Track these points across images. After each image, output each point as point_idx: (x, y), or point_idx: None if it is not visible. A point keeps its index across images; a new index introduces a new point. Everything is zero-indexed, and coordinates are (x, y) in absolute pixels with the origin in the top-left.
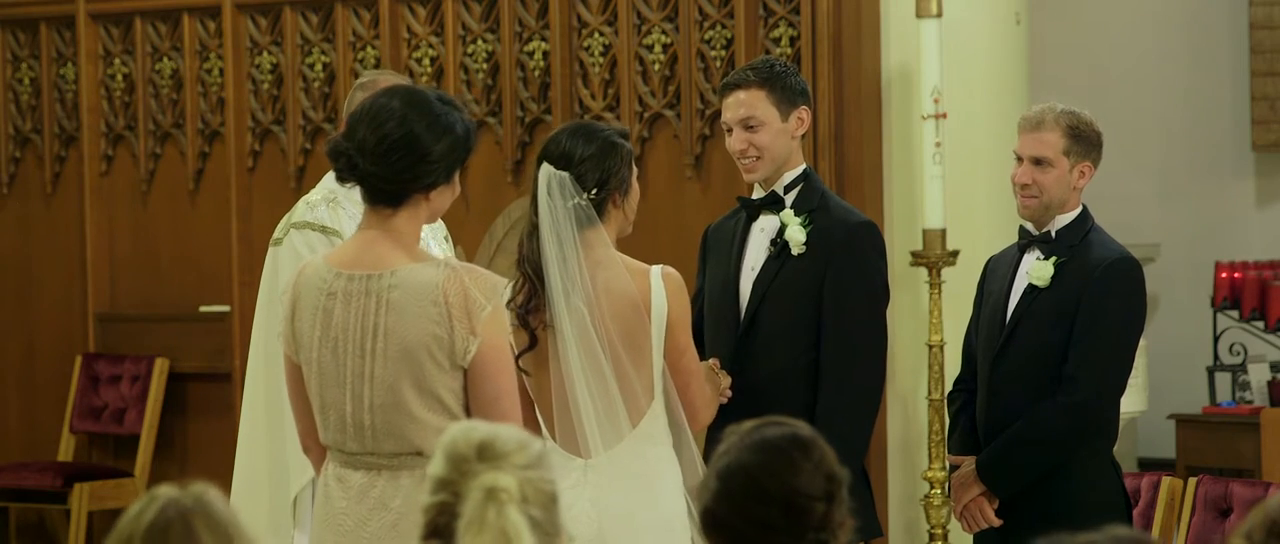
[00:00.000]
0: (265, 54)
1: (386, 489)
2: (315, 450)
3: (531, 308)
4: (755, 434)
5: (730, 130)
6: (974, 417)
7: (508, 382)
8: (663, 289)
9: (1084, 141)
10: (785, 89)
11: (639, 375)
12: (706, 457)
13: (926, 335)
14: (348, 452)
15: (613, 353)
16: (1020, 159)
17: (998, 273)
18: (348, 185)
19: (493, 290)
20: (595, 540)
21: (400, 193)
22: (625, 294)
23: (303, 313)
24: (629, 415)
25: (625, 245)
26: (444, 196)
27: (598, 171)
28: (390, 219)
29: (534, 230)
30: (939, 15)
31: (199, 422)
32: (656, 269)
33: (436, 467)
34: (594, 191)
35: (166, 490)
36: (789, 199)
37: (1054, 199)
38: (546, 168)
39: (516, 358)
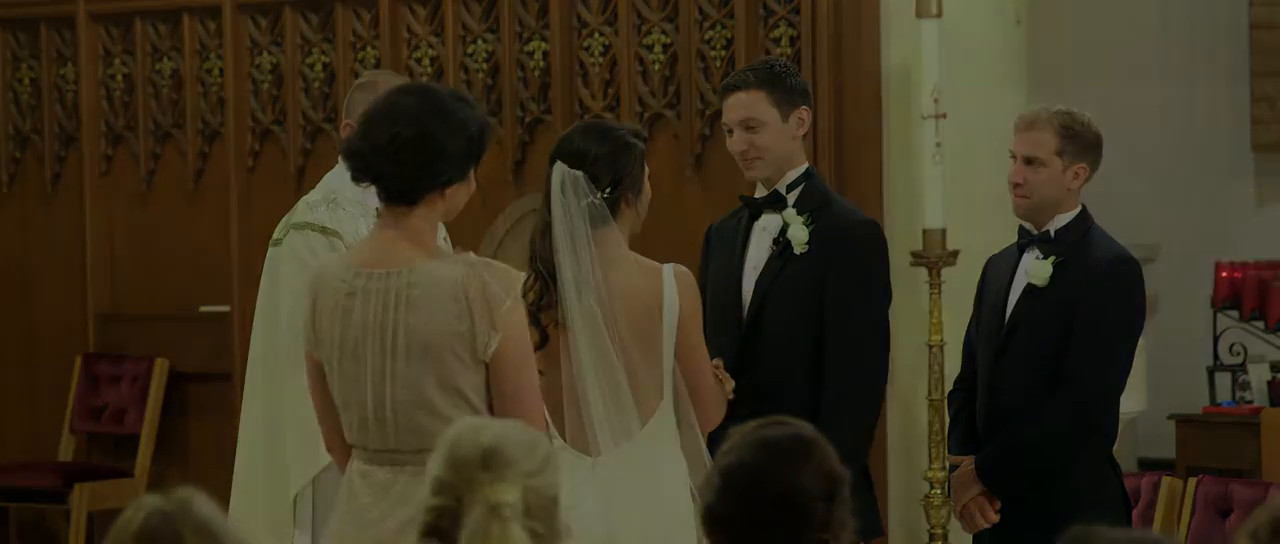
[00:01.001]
0: (265, 54)
1: (409, 485)
2: (339, 449)
3: (543, 306)
4: (757, 434)
5: (731, 131)
6: (974, 416)
7: (528, 376)
8: (675, 288)
9: (1078, 142)
10: (785, 89)
11: (649, 374)
12: (711, 455)
13: (926, 335)
14: (371, 449)
15: (624, 351)
16: (1015, 158)
17: (997, 272)
18: (363, 185)
19: (512, 285)
20: (603, 539)
21: (416, 191)
22: (637, 293)
23: (322, 312)
24: (639, 414)
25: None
26: (460, 193)
27: (611, 171)
28: (407, 217)
29: (547, 229)
30: (939, 15)
31: (199, 422)
32: (669, 268)
33: (438, 467)
34: (607, 191)
35: (152, 498)
36: (791, 198)
37: (1046, 199)
38: (560, 166)
39: None
